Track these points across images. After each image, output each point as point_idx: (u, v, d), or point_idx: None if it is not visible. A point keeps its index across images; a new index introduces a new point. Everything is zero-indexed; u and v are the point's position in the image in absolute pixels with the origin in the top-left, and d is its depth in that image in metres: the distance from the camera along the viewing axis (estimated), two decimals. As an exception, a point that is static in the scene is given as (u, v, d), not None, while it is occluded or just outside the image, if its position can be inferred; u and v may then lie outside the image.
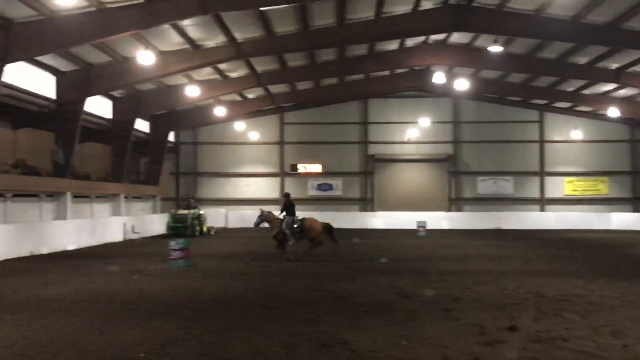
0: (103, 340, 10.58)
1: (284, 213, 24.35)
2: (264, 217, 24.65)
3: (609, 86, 40.82)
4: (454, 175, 50.14)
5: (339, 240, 24.64)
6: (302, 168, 50.14)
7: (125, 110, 37.88)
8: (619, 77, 36.94)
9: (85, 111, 32.52)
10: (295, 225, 23.86)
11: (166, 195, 47.39)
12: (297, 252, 23.81)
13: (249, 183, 50.57)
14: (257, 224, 24.87)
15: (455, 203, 50.01)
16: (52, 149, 30.97)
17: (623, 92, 42.21)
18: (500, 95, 48.12)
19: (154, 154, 44.42)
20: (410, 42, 36.95)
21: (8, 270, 20.71)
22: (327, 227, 24.23)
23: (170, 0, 24.44)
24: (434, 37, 36.48)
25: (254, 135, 49.45)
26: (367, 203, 50.30)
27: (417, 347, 10.07)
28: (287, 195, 25.48)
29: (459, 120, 50.28)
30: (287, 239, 23.95)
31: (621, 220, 47.86)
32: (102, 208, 37.25)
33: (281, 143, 50.60)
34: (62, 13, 23.95)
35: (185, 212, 39.23)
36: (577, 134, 49.19)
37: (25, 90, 29.43)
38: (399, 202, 49.39)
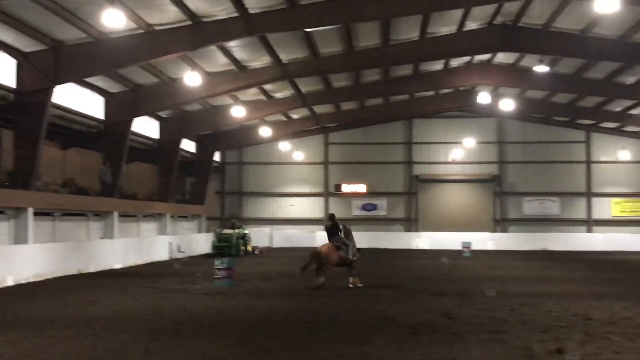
0: (149, 358, 10.70)
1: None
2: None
3: (658, 106, 40.16)
4: (499, 196, 49.64)
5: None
6: (347, 188, 50.11)
7: (172, 130, 38.40)
8: (669, 96, 36.37)
9: (132, 131, 33.06)
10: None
11: (212, 215, 47.77)
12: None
13: (293, 203, 50.75)
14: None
15: (500, 224, 49.48)
16: (100, 169, 31.50)
17: (673, 112, 41.51)
18: (546, 115, 47.60)
19: (199, 173, 44.92)
20: (455, 62, 36.90)
21: (57, 288, 21.06)
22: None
23: (216, 23, 24.79)
24: (479, 58, 36.32)
25: (299, 155, 49.59)
26: (411, 223, 50.05)
27: (462, 369, 9.99)
28: (332, 217, 22.92)
29: (504, 141, 49.88)
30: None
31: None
32: (148, 227, 37.70)
33: (325, 163, 50.71)
34: (111, 35, 24.38)
35: (230, 231, 39.45)
36: (624, 155, 48.30)
37: (74, 110, 30.03)
38: (444, 222, 49.07)
